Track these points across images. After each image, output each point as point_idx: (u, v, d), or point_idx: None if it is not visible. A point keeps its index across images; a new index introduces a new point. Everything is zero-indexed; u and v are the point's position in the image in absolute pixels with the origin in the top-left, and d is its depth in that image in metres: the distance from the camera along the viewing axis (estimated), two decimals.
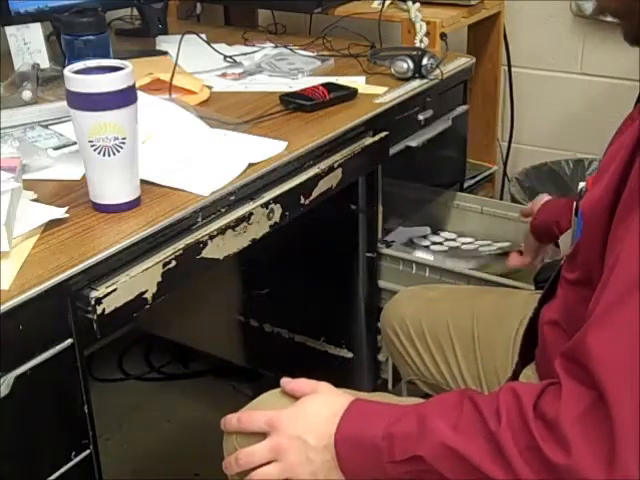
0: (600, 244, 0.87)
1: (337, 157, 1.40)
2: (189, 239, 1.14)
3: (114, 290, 1.03)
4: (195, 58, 1.74)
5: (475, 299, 1.37)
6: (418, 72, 1.64)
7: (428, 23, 1.83)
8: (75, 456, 1.05)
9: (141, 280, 1.06)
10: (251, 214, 1.22)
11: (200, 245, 1.14)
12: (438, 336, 1.34)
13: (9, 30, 1.63)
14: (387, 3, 1.89)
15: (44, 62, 1.63)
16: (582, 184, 0.99)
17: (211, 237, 1.16)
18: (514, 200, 2.06)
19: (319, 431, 0.93)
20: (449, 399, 0.89)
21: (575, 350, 0.79)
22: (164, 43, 1.85)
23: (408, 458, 0.86)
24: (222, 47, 1.82)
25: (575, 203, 1.01)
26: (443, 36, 1.80)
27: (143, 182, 1.16)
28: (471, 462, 0.81)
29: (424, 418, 0.86)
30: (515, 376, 1.16)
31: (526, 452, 0.78)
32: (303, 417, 0.96)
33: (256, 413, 1.01)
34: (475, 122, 2.04)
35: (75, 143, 1.20)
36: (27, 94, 1.44)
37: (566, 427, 0.75)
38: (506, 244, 1.84)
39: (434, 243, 1.86)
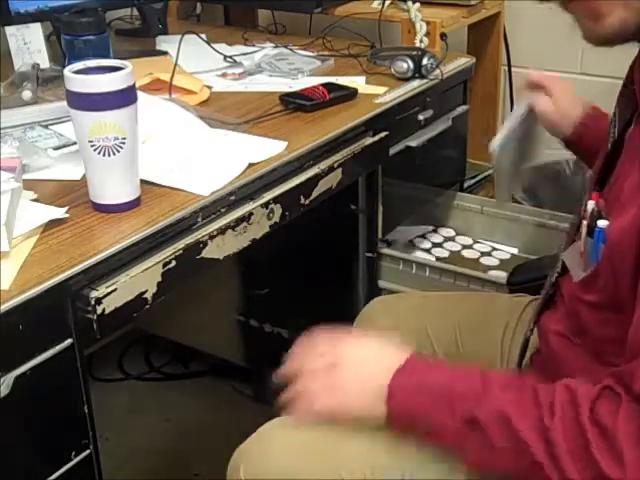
0: (632, 270, 0.86)
1: (337, 157, 1.40)
2: (189, 239, 1.14)
3: (114, 290, 1.02)
4: (195, 58, 1.74)
5: (454, 307, 1.34)
6: (418, 72, 1.64)
7: (428, 23, 1.83)
8: (75, 456, 1.05)
9: (141, 280, 1.06)
10: (251, 214, 1.22)
11: (200, 245, 1.14)
12: (419, 348, 1.31)
13: (9, 30, 1.63)
14: (387, 3, 1.89)
15: (44, 62, 1.63)
16: (591, 204, 0.96)
17: (211, 237, 1.16)
18: (514, 200, 2.06)
19: (377, 367, 0.94)
20: (510, 376, 0.91)
21: (629, 378, 0.81)
22: (164, 43, 1.85)
23: (464, 417, 0.86)
24: (222, 47, 1.82)
25: (586, 223, 0.98)
26: (443, 36, 1.80)
27: (143, 182, 1.16)
28: (522, 438, 0.82)
29: (488, 385, 0.87)
30: None
31: (576, 452, 0.79)
32: (365, 348, 0.99)
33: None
34: (475, 122, 2.04)
35: (75, 143, 1.20)
36: (27, 94, 1.44)
37: (625, 445, 0.76)
38: (506, 248, 1.85)
39: (435, 243, 1.86)
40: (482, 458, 0.88)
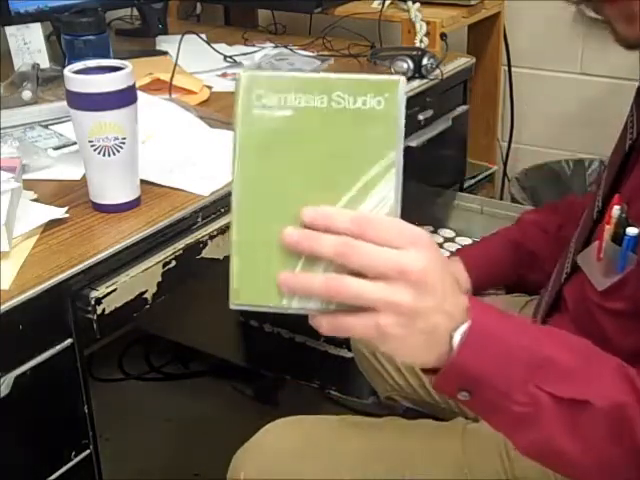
0: None
1: None
2: (189, 239, 1.14)
3: (114, 290, 1.03)
4: (195, 58, 1.73)
5: None
6: (418, 72, 1.64)
7: (428, 23, 1.83)
8: (75, 456, 1.05)
9: (141, 280, 1.06)
10: None
11: (200, 245, 1.14)
12: None
13: (9, 30, 1.63)
14: (387, 3, 1.89)
15: (44, 62, 1.63)
16: (617, 209, 0.94)
17: (211, 237, 1.16)
18: (514, 200, 2.06)
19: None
20: (612, 360, 0.77)
21: None
22: (164, 43, 1.85)
23: (570, 398, 0.72)
24: (222, 47, 1.82)
25: (611, 228, 0.95)
26: (443, 36, 1.80)
27: (143, 182, 1.16)
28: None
29: (594, 363, 0.75)
30: None
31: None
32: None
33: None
34: (475, 122, 2.04)
35: (75, 143, 1.20)
36: (27, 94, 1.44)
37: None
38: None
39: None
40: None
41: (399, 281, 0.65)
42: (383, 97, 0.66)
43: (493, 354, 0.71)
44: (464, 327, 0.69)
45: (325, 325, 0.67)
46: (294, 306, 0.68)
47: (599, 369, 0.75)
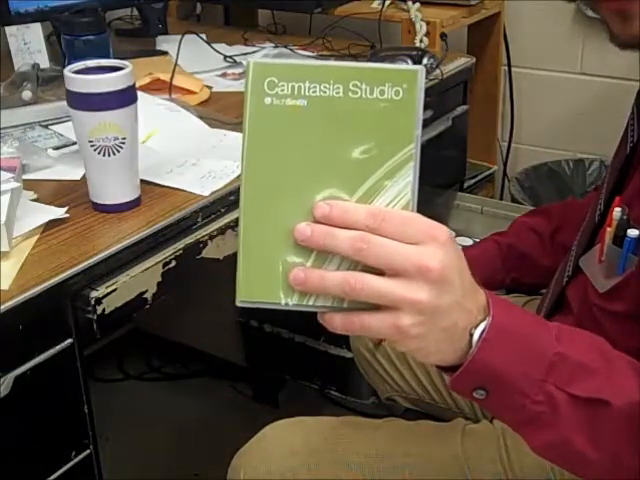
0: None
1: None
2: (189, 239, 1.14)
3: (114, 290, 1.03)
4: (195, 58, 1.73)
5: None
6: None
7: (428, 23, 1.83)
8: (75, 456, 1.05)
9: (141, 280, 1.06)
10: None
11: (200, 245, 1.14)
12: None
13: (9, 30, 1.63)
14: (387, 3, 1.89)
15: (44, 62, 1.63)
16: (618, 211, 0.94)
17: (211, 237, 1.16)
18: (514, 200, 2.06)
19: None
20: (623, 357, 0.76)
21: None
22: (164, 43, 1.85)
23: (588, 398, 0.71)
24: (222, 47, 1.82)
25: (612, 231, 0.95)
26: (443, 36, 1.80)
27: (143, 182, 1.16)
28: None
29: (611, 362, 0.74)
30: None
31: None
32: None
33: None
34: (475, 122, 2.04)
35: (75, 143, 1.20)
36: (27, 94, 1.44)
37: None
38: None
39: None
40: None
41: (419, 278, 0.62)
42: (402, 87, 0.62)
43: (512, 352, 0.69)
44: (484, 324, 0.67)
45: (339, 324, 0.64)
46: (304, 304, 0.64)
47: (615, 367, 0.74)
